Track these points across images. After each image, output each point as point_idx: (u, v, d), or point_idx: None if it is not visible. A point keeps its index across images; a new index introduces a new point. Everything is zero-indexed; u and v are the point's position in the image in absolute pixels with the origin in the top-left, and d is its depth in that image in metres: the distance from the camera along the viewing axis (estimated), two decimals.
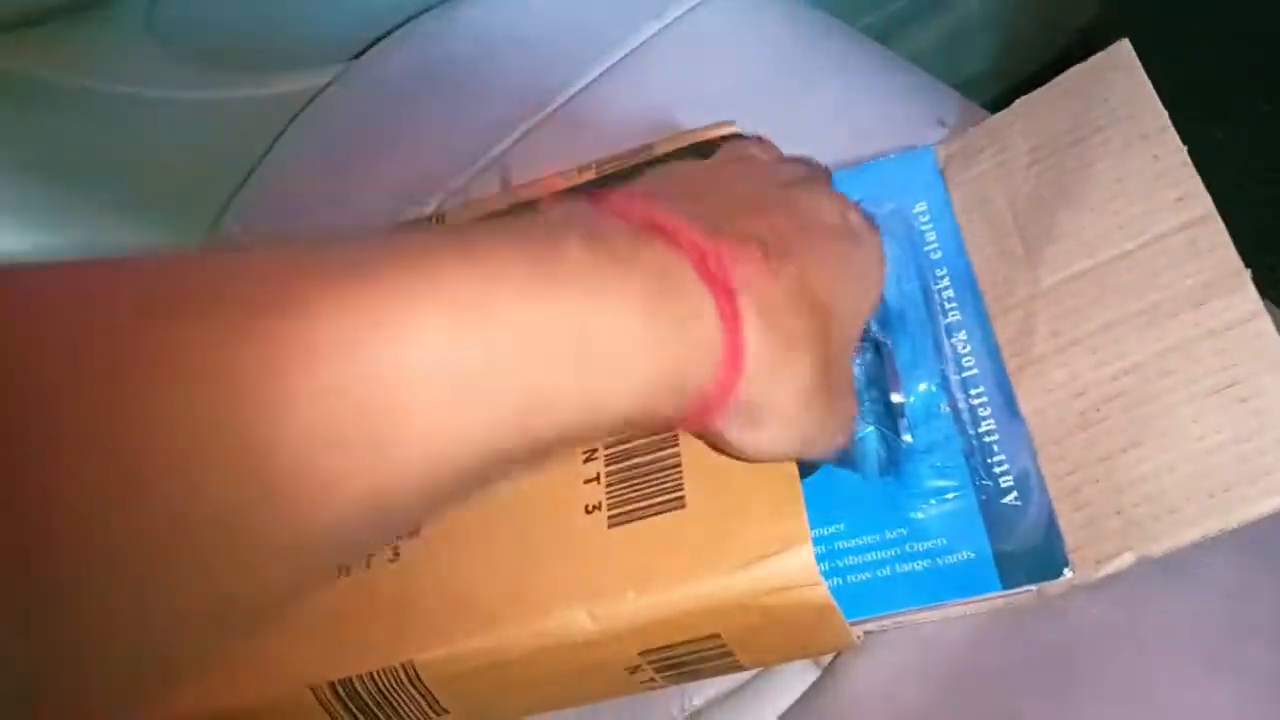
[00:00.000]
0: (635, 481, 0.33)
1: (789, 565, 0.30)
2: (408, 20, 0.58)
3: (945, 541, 0.34)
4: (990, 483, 0.34)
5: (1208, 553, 0.31)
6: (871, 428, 0.36)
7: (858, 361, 0.37)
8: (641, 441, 0.34)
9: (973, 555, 0.33)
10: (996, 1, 0.75)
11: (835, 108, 0.43)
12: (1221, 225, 0.35)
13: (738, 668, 0.35)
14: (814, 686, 0.37)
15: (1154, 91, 0.38)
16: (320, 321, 0.19)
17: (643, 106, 0.48)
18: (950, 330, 0.38)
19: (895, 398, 0.35)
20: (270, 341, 0.19)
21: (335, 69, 0.59)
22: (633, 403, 0.25)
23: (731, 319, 0.26)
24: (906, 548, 0.34)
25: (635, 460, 0.34)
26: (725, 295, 0.26)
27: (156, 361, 0.18)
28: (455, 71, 0.54)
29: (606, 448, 0.34)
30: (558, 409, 0.23)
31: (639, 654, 0.32)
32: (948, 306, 0.38)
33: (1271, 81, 0.75)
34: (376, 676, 0.32)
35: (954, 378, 0.37)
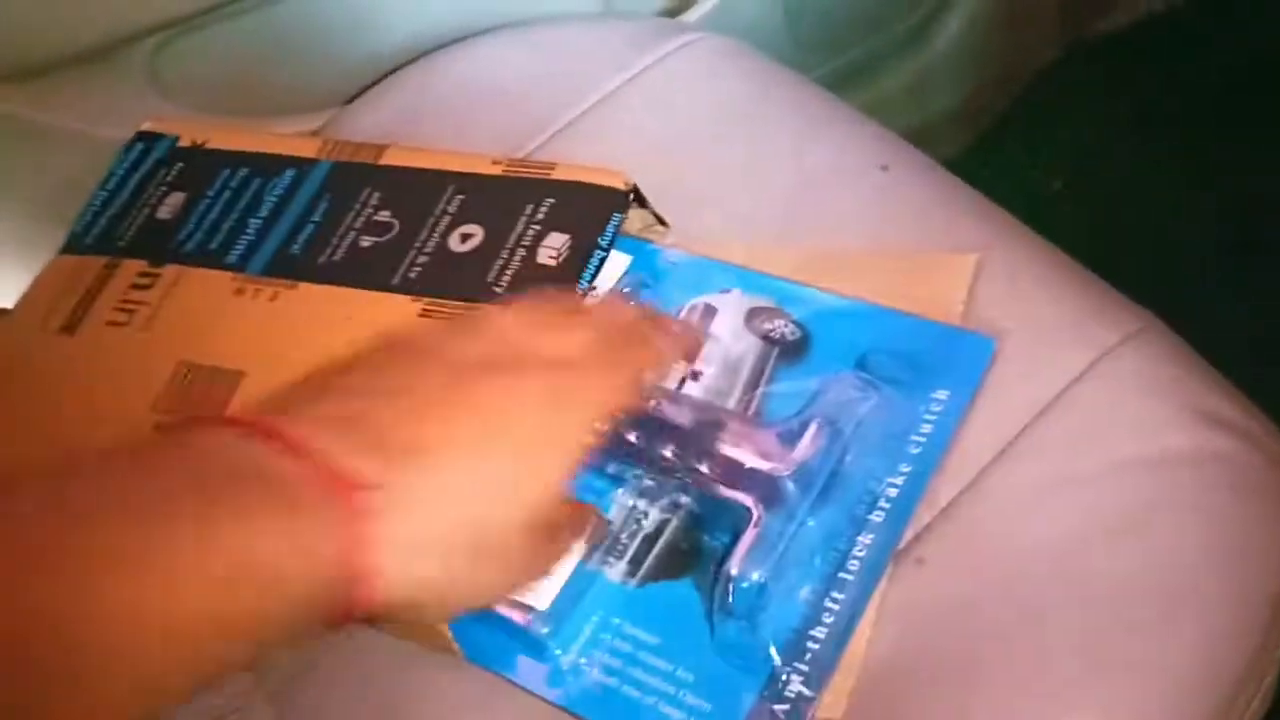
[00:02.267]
0: None
1: None
2: (394, 69, 0.62)
3: (710, 707, 0.36)
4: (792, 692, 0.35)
5: None
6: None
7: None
8: None
9: None
10: (961, 47, 0.83)
11: (785, 153, 0.46)
12: None
13: None
14: None
15: None
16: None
17: (610, 151, 0.51)
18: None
19: (732, 569, 0.36)
20: None
21: (326, 115, 0.63)
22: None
23: (357, 516, 0.27)
24: (679, 693, 0.36)
25: None
26: (344, 494, 0.27)
27: None
28: (436, 118, 0.57)
29: None
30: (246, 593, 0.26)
31: None
32: (871, 519, 0.38)
33: (1219, 118, 0.85)
34: None
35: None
